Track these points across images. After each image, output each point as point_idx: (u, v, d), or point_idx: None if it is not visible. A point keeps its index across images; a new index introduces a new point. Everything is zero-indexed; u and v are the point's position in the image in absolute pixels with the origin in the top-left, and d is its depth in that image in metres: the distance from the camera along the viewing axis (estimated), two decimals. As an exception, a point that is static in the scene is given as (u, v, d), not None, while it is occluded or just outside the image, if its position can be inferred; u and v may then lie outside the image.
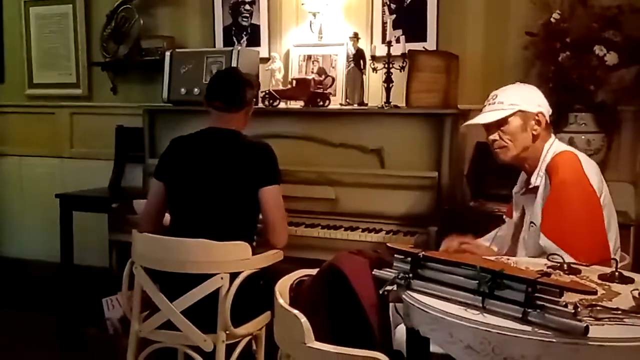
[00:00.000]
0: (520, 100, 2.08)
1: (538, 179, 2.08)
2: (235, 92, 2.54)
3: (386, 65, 3.07)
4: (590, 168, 2.03)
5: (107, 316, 3.11)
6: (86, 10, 4.15)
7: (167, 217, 2.59)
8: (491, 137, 2.12)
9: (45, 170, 4.38)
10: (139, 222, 2.59)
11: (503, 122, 2.08)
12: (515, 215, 2.24)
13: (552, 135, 2.14)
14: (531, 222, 2.10)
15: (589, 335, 1.25)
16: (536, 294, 1.33)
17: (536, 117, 2.08)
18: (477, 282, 1.42)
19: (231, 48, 3.38)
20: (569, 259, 1.81)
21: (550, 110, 2.14)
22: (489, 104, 2.13)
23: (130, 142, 3.90)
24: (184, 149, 2.53)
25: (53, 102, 4.32)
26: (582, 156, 2.07)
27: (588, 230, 1.94)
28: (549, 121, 2.12)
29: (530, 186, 2.12)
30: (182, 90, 3.36)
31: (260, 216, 2.49)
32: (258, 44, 3.67)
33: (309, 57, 3.48)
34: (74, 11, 4.17)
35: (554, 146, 2.10)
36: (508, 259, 1.89)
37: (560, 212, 1.95)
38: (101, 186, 3.94)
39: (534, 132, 2.08)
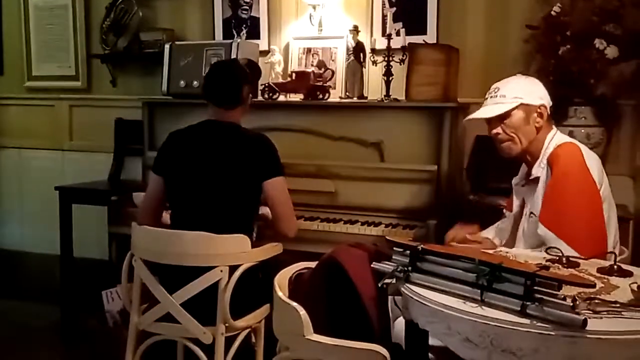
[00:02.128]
0: (523, 93, 2.07)
1: (539, 170, 2.08)
2: (231, 90, 2.51)
3: (386, 59, 3.06)
4: (592, 160, 2.03)
5: (107, 309, 3.12)
6: (85, 3, 4.14)
7: (167, 216, 2.59)
8: (494, 130, 2.11)
9: (44, 162, 4.38)
10: (137, 216, 2.59)
11: (506, 115, 2.07)
12: (515, 205, 2.24)
13: (554, 127, 2.14)
14: (531, 213, 2.09)
15: (587, 328, 1.26)
16: (535, 287, 1.33)
17: (538, 110, 2.08)
18: (476, 275, 1.42)
19: (231, 41, 3.37)
20: (566, 248, 1.81)
21: (551, 102, 2.13)
22: (491, 97, 2.12)
23: (129, 134, 3.90)
24: (182, 142, 2.52)
25: (52, 95, 4.32)
26: (584, 148, 2.07)
27: (586, 221, 1.94)
28: (550, 113, 2.12)
29: (531, 177, 2.12)
30: (182, 82, 3.36)
31: (268, 210, 2.50)
32: (258, 37, 3.66)
33: (309, 50, 3.47)
34: (73, 3, 4.16)
35: (555, 138, 2.10)
36: (507, 252, 1.89)
37: (559, 202, 1.95)
38: (100, 179, 3.94)
39: (537, 125, 2.08)
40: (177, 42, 3.55)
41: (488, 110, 2.11)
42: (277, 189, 2.43)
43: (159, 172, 2.52)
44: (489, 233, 2.35)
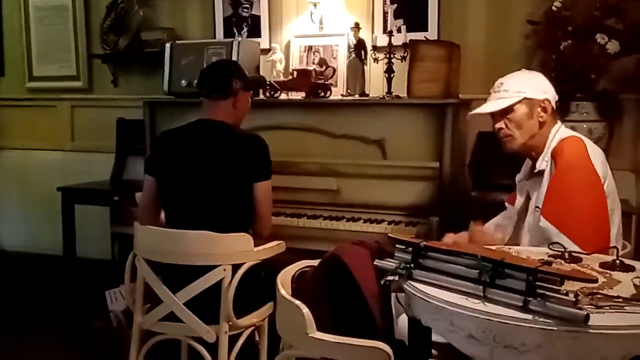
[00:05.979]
0: (526, 87, 2.07)
1: (543, 163, 2.08)
2: (219, 79, 2.51)
3: (387, 56, 3.06)
4: (596, 154, 2.02)
5: (111, 308, 3.13)
6: (85, 2, 4.15)
7: (163, 216, 2.58)
8: (497, 125, 2.11)
9: (46, 163, 4.39)
10: (137, 217, 2.58)
11: (509, 110, 2.07)
12: (519, 201, 2.24)
13: (558, 121, 2.14)
14: (536, 207, 2.09)
15: (589, 323, 1.26)
16: (537, 283, 1.33)
17: (542, 104, 2.08)
18: (478, 271, 1.42)
19: (232, 39, 3.37)
20: (568, 242, 1.81)
21: (557, 97, 2.13)
22: (495, 92, 2.12)
23: (131, 134, 3.90)
24: (173, 142, 2.51)
25: (54, 95, 4.32)
26: (588, 142, 2.07)
27: (589, 215, 1.93)
28: (554, 107, 2.12)
29: (536, 170, 2.12)
30: (183, 82, 3.36)
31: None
32: (259, 35, 3.66)
33: (310, 47, 3.47)
34: (73, 3, 4.16)
35: (560, 132, 2.10)
36: (509, 248, 1.89)
37: (562, 195, 1.95)
38: (103, 179, 3.95)
39: (540, 119, 2.08)
40: (178, 42, 3.56)
41: (491, 105, 2.11)
42: (264, 191, 2.45)
43: (152, 172, 2.52)
44: (491, 226, 2.35)
